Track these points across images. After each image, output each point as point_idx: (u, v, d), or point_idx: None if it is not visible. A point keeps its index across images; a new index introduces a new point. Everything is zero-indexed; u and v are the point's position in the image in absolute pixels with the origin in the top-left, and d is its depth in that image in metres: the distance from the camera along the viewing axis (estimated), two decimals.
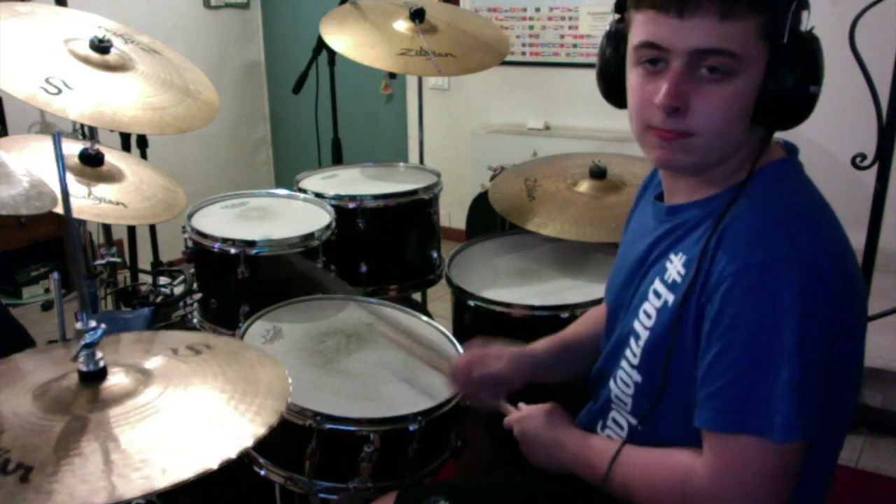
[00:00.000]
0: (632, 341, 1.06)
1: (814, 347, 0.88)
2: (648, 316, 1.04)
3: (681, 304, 0.97)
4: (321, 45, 2.48)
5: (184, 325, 2.01)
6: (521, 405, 1.23)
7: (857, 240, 2.51)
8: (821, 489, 1.03)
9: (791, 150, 1.05)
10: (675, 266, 1.00)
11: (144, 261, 2.91)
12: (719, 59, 0.91)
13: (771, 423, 0.88)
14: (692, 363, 0.96)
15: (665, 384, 1.00)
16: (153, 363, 1.07)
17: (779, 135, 1.03)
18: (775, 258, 0.88)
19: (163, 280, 2.46)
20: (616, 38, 1.06)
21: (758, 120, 0.96)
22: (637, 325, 1.06)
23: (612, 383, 1.12)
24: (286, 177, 4.29)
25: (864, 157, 2.37)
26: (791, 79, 0.92)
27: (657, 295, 1.02)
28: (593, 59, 1.12)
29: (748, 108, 0.95)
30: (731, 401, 0.91)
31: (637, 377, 1.06)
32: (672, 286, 1.00)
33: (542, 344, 1.32)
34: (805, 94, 0.93)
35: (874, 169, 2.36)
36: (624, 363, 1.08)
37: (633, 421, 1.09)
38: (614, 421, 1.13)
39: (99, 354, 1.00)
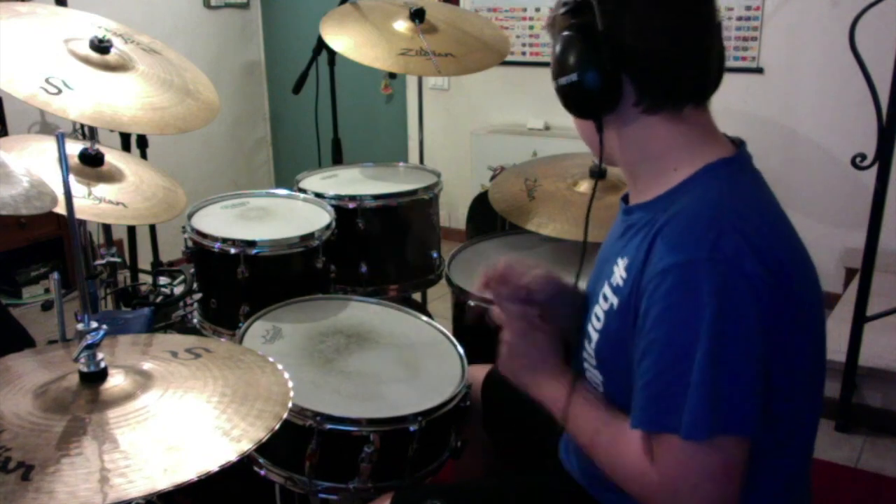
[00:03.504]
0: (586, 343, 1.08)
1: (735, 345, 0.88)
2: (598, 318, 1.05)
3: (623, 308, 0.99)
4: (321, 45, 2.48)
5: (184, 325, 2.01)
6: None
7: (857, 240, 2.51)
8: (793, 492, 1.02)
9: (739, 143, 1.05)
10: (620, 270, 1.02)
11: (144, 261, 2.92)
12: None
13: (681, 421, 0.88)
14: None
15: (629, 384, 1.00)
16: (152, 366, 1.07)
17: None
18: (695, 259, 0.90)
19: (163, 280, 2.46)
20: None
21: None
22: (590, 327, 1.07)
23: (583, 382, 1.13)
24: (286, 177, 4.29)
25: (864, 157, 2.38)
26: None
27: (605, 298, 1.04)
28: None
29: None
30: (650, 399, 0.92)
31: (600, 376, 1.08)
32: (616, 290, 1.02)
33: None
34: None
35: (874, 169, 2.36)
36: (586, 364, 1.10)
37: None
38: None
39: (100, 355, 1.00)
